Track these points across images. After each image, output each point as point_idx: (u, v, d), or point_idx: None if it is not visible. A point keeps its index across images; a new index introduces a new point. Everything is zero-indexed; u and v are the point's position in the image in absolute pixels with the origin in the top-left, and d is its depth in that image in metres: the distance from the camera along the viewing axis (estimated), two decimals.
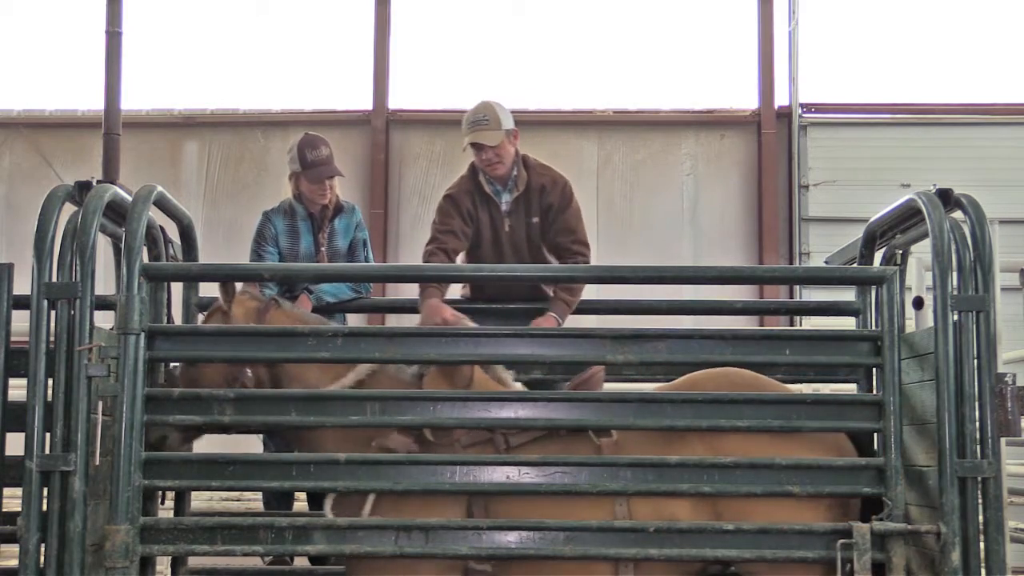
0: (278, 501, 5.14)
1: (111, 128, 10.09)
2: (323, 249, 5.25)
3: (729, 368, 4.02)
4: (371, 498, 3.80)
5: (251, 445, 5.10)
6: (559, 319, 4.71)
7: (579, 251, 4.97)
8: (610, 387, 4.70)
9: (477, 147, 4.87)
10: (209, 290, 4.87)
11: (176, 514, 4.35)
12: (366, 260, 5.41)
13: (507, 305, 4.93)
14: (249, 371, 4.02)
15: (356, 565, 3.92)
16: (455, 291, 5.07)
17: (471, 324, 4.35)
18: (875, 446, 4.04)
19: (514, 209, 4.96)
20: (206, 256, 5.05)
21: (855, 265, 4.49)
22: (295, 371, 4.07)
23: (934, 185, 3.91)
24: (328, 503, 3.87)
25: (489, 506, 3.84)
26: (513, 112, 5.01)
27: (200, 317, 4.67)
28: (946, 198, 3.84)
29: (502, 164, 4.90)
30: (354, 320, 6.03)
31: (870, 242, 4.41)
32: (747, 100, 12.25)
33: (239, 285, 4.31)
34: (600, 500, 3.81)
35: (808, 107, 12.16)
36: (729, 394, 3.89)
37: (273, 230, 5.27)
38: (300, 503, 5.52)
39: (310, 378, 4.04)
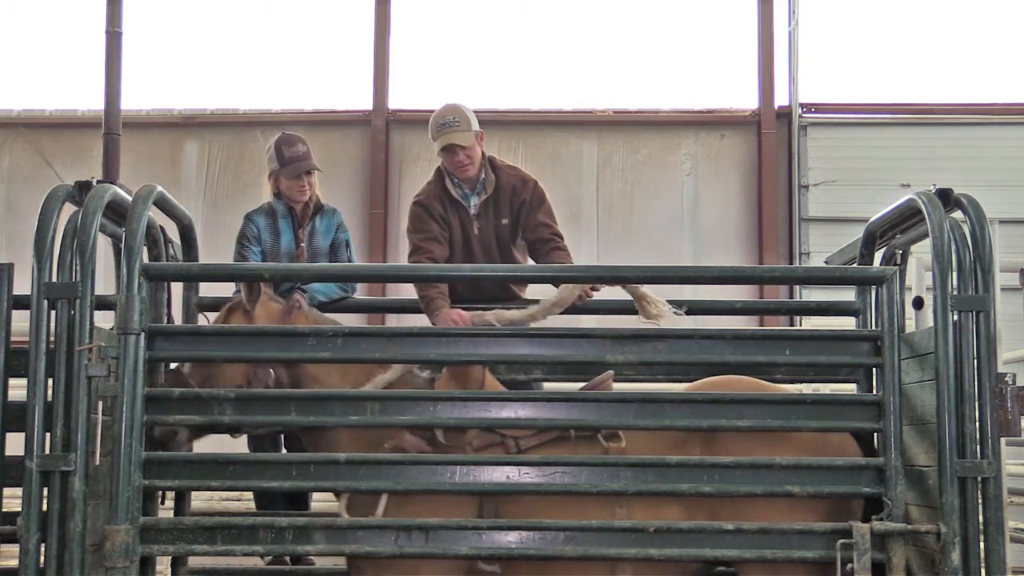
0: (272, 504, 5.11)
1: (111, 128, 10.07)
2: (303, 245, 5.27)
3: (739, 377, 4.02)
4: (384, 499, 3.82)
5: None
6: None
7: (558, 240, 4.91)
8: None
9: (450, 149, 4.84)
10: (209, 290, 4.88)
11: (176, 514, 4.35)
12: (349, 261, 5.42)
13: (476, 305, 4.85)
14: (272, 371, 4.03)
15: (359, 563, 3.93)
16: None
17: (488, 318, 4.28)
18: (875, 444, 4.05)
19: (482, 212, 4.94)
20: (206, 256, 5.05)
21: (855, 265, 4.49)
22: (315, 372, 4.08)
23: (934, 185, 3.91)
24: (343, 502, 3.89)
25: (499, 508, 3.85)
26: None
27: (201, 317, 4.67)
28: (946, 198, 3.84)
29: (472, 165, 4.89)
30: (354, 320, 6.02)
31: (870, 242, 4.41)
32: (747, 100, 12.24)
33: (262, 286, 4.27)
34: (604, 502, 3.81)
35: (808, 107, 12.15)
36: (729, 394, 3.89)
37: (255, 229, 5.30)
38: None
39: (330, 381, 4.05)
